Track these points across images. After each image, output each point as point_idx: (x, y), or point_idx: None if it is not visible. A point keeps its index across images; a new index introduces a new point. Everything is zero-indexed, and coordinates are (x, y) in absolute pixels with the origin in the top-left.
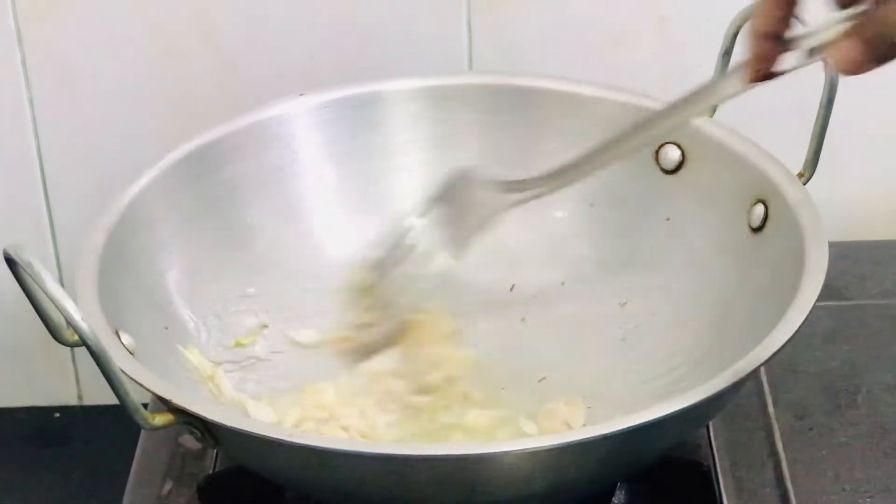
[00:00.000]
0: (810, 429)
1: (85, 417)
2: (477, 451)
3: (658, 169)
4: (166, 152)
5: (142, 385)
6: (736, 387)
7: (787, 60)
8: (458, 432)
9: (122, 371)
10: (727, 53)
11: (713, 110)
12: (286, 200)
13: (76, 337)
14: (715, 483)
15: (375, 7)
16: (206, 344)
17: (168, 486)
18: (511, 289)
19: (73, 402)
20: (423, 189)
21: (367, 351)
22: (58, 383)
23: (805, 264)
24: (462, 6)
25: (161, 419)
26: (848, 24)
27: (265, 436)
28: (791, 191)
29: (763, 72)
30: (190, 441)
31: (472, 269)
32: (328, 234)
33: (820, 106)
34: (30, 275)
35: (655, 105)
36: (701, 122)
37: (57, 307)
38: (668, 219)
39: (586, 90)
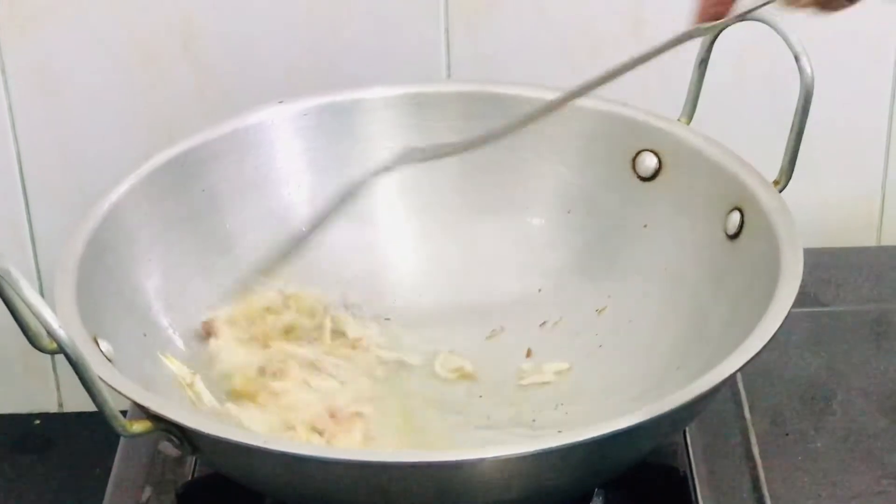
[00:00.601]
0: (786, 434)
1: (65, 424)
2: (452, 459)
3: (635, 176)
4: (146, 160)
5: (120, 392)
6: (712, 393)
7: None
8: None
9: (101, 378)
10: (704, 61)
11: (690, 117)
12: (266, 207)
13: (55, 344)
14: (691, 489)
15: (354, 15)
16: (185, 351)
17: (147, 492)
18: (488, 296)
19: (54, 408)
20: (402, 195)
21: None
22: (38, 390)
23: (780, 271)
24: (440, 14)
25: (139, 426)
26: None
27: (242, 443)
28: (766, 198)
29: (716, 13)
30: (169, 448)
31: (449, 276)
32: (308, 240)
33: (795, 113)
34: (8, 283)
35: (632, 112)
36: (678, 130)
37: (35, 315)
38: (644, 226)
39: None
